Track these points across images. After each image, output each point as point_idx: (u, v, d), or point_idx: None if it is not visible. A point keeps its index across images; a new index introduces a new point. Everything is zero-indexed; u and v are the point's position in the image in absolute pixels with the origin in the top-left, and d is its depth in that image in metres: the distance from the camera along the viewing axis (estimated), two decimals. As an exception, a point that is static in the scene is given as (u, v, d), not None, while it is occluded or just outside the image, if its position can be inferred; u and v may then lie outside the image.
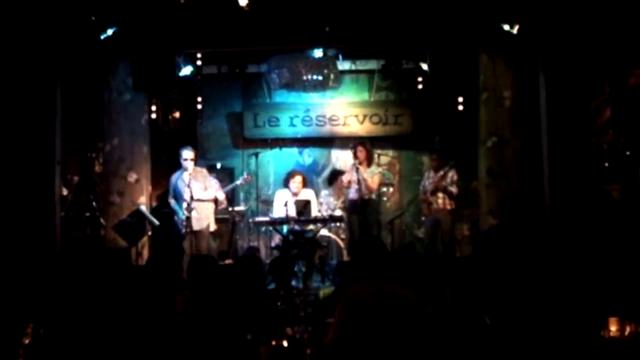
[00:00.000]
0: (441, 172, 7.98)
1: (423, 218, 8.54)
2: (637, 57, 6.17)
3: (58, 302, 4.39)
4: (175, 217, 7.72)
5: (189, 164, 7.47)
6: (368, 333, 3.34)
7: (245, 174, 8.47)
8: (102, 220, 7.97)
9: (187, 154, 7.50)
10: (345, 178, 8.39)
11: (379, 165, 8.97)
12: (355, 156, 8.28)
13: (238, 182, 8.31)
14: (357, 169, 8.08)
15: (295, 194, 8.12)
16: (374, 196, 8.35)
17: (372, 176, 8.24)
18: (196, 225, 7.46)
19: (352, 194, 8.26)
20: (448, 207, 7.99)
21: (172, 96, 8.72)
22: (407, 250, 7.18)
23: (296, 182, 8.15)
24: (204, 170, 7.86)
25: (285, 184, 8.40)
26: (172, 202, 7.70)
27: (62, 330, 3.70)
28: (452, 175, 7.97)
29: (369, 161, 8.33)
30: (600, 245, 5.88)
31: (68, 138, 7.30)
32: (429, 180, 8.19)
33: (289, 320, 4.13)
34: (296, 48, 8.59)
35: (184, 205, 7.39)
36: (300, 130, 9.60)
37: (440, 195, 7.98)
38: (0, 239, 6.00)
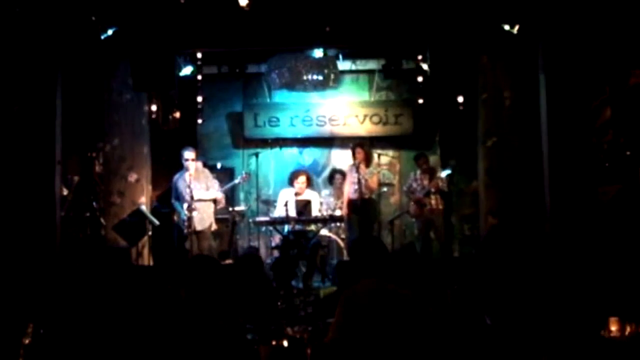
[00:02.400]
0: (430, 173, 8.08)
1: (414, 220, 8.57)
2: (637, 57, 6.17)
3: (58, 302, 4.40)
4: (177, 218, 7.73)
5: (190, 165, 7.48)
6: (368, 333, 3.34)
7: (243, 172, 8.50)
8: (102, 220, 7.97)
9: (188, 154, 7.50)
10: (347, 178, 8.45)
11: (379, 165, 8.98)
12: (354, 157, 8.32)
13: (236, 180, 8.33)
14: (358, 169, 8.11)
15: (297, 194, 8.11)
16: (373, 196, 8.37)
17: (371, 176, 8.28)
18: (199, 226, 7.47)
19: (352, 193, 8.27)
20: (440, 207, 8.11)
21: (172, 96, 8.72)
22: (407, 250, 7.19)
23: (300, 182, 8.13)
24: (206, 170, 7.87)
25: (291, 182, 8.40)
26: (174, 202, 7.71)
27: (62, 330, 3.70)
28: (442, 175, 8.07)
29: (368, 161, 8.37)
30: (600, 246, 5.88)
31: (68, 138, 7.30)
32: (417, 181, 8.25)
33: (289, 320, 4.14)
34: (296, 48, 8.59)
35: (185, 205, 7.40)
36: (301, 130, 9.60)
37: (433, 196, 8.05)
38: (0, 238, 6.01)
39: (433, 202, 8.11)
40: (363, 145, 8.46)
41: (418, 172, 8.35)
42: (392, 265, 3.78)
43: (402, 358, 3.31)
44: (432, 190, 8.12)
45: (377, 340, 3.32)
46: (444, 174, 8.15)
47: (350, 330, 3.37)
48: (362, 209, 8.13)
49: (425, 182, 8.23)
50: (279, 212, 7.98)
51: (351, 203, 8.30)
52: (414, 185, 8.32)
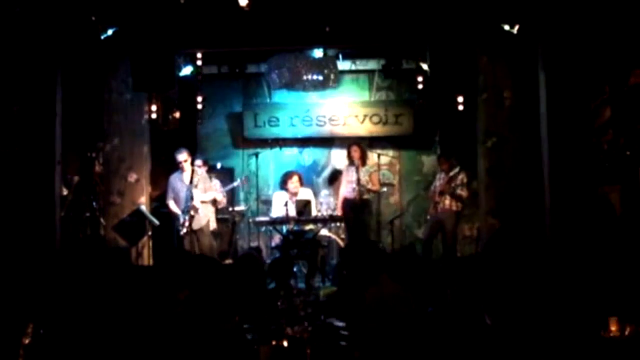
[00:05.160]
0: (451, 174, 7.94)
1: (428, 217, 8.54)
2: (637, 57, 6.17)
3: (58, 302, 4.39)
4: (175, 218, 7.73)
5: (184, 166, 7.54)
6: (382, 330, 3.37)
7: (243, 176, 8.55)
8: (102, 220, 7.98)
9: (180, 156, 7.58)
10: (343, 177, 8.44)
11: (378, 165, 8.99)
12: (350, 156, 8.31)
13: (235, 183, 8.35)
14: (357, 169, 8.12)
15: (294, 194, 8.12)
16: (370, 196, 8.37)
17: (368, 175, 8.28)
18: (195, 225, 7.49)
19: (350, 193, 8.27)
20: (454, 208, 7.96)
21: (172, 96, 8.72)
22: (407, 250, 7.19)
23: (294, 182, 8.17)
24: (204, 172, 7.87)
25: (283, 185, 8.42)
26: (170, 203, 7.71)
27: (62, 330, 3.70)
28: (462, 177, 7.92)
29: (364, 160, 8.37)
30: (600, 245, 5.88)
31: (68, 138, 7.30)
32: (439, 181, 8.15)
33: (289, 320, 4.13)
34: (296, 48, 8.59)
35: (183, 207, 7.43)
36: (300, 130, 9.60)
37: (447, 196, 7.95)
38: (0, 238, 6.00)
39: (447, 202, 7.96)
40: (359, 144, 8.46)
41: (442, 172, 8.24)
42: (392, 265, 3.79)
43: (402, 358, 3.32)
44: (445, 191, 7.98)
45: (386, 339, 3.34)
46: (456, 169, 7.92)
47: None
48: (361, 208, 8.14)
49: (443, 183, 8.14)
50: (278, 212, 7.99)
51: (347, 202, 8.30)
52: (437, 185, 8.23)
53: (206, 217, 7.70)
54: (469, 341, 3.64)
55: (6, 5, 6.20)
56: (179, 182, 7.60)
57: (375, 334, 3.38)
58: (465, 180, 7.94)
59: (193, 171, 7.58)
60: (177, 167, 7.68)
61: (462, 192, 7.92)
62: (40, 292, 4.68)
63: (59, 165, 6.96)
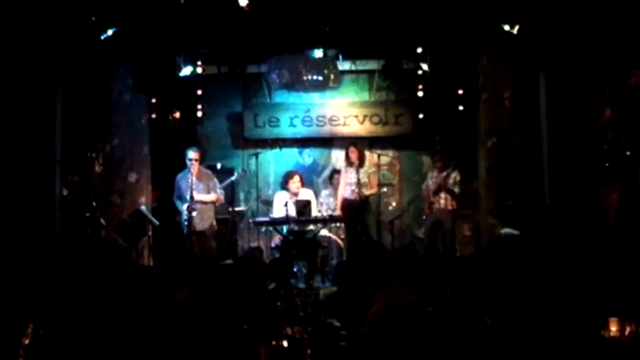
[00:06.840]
0: (444, 173, 7.93)
1: (424, 217, 8.53)
2: (637, 57, 6.17)
3: (58, 302, 4.40)
4: (178, 217, 7.73)
5: (193, 164, 7.49)
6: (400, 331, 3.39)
7: (240, 169, 8.52)
8: (102, 220, 7.97)
9: (193, 154, 7.51)
10: (342, 178, 8.45)
11: (378, 165, 8.98)
12: (348, 157, 8.31)
13: (233, 177, 8.34)
14: (357, 169, 8.12)
15: (295, 194, 8.13)
16: (370, 197, 8.38)
17: (367, 175, 8.28)
18: (198, 226, 7.47)
19: (348, 194, 8.27)
20: (450, 207, 7.94)
21: (172, 96, 8.72)
22: (407, 250, 7.19)
23: (295, 182, 8.17)
24: (209, 172, 7.86)
25: (284, 185, 8.42)
26: (176, 201, 7.71)
27: (62, 330, 3.70)
28: (455, 175, 7.91)
29: (362, 161, 8.37)
30: (600, 245, 5.88)
31: (68, 138, 7.30)
32: (432, 180, 8.14)
33: (289, 320, 4.13)
34: (296, 48, 8.60)
35: (185, 205, 7.41)
36: (301, 131, 9.60)
37: (442, 195, 7.92)
38: (0, 239, 6.01)
39: (442, 201, 7.93)
40: (356, 144, 8.47)
41: (435, 171, 8.22)
42: (392, 265, 3.79)
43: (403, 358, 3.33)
44: (441, 188, 7.97)
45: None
46: (449, 168, 7.93)
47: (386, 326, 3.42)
48: (359, 209, 8.15)
49: (438, 181, 8.13)
50: (278, 212, 7.99)
51: (347, 203, 8.30)
52: (429, 183, 8.22)
53: (209, 220, 7.67)
54: (469, 341, 3.65)
55: (6, 6, 6.20)
56: (184, 181, 7.58)
57: (379, 337, 3.38)
58: (458, 178, 7.92)
59: (199, 170, 7.57)
60: (184, 165, 7.65)
61: (456, 189, 7.93)
62: (40, 292, 4.68)
63: (59, 165, 6.97)
